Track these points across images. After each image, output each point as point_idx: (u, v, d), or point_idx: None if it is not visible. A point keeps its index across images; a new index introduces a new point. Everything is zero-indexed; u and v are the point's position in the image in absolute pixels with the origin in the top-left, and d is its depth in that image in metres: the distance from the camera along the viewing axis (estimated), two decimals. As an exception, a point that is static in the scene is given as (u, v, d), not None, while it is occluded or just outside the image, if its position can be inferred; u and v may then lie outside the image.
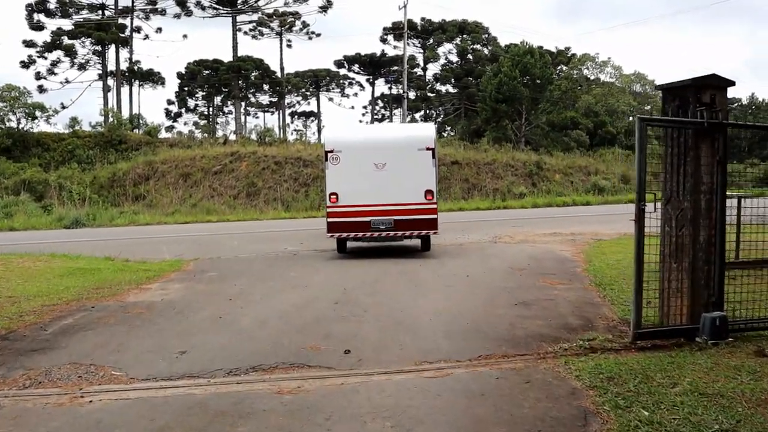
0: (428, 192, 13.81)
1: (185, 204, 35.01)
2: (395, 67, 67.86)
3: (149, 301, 9.30)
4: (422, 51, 65.18)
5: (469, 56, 61.37)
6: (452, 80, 61.96)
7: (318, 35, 63.49)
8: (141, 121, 51.98)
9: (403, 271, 11.84)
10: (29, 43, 52.75)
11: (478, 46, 61.39)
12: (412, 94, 60.00)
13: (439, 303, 8.81)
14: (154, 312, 8.57)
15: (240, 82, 60.31)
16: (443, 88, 66.20)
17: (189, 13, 56.35)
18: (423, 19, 63.00)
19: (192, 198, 35.94)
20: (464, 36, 61.13)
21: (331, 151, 13.75)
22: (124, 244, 21.44)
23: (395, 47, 66.46)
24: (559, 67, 54.35)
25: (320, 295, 9.48)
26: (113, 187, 37.80)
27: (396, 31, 63.86)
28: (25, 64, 52.63)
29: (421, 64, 64.88)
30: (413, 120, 60.21)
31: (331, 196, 13.81)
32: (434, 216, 14.00)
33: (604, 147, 48.03)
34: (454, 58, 63.12)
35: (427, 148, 13.76)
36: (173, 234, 24.07)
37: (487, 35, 61.44)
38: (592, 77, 56.56)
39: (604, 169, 42.61)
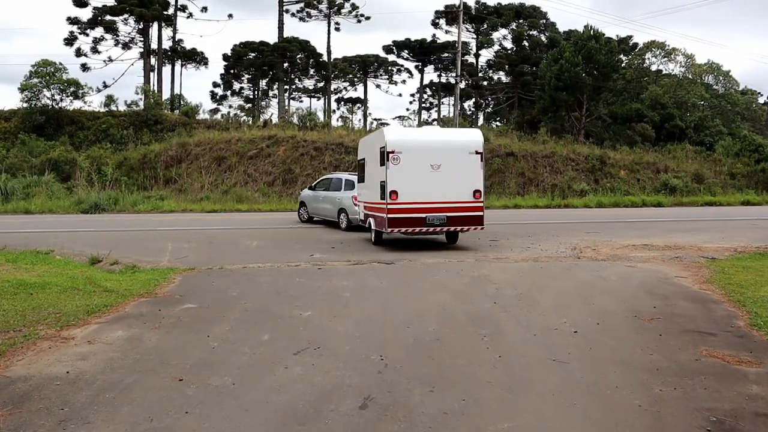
0: (477, 191, 14.50)
1: (217, 190, 31.35)
2: (446, 54, 63.30)
3: (40, 378, 5.25)
4: (475, 36, 60.38)
5: (525, 42, 56.32)
6: (506, 67, 57.03)
7: (367, 18, 59.22)
8: (182, 102, 48.67)
9: (475, 316, 7.58)
10: (73, 20, 49.81)
11: (535, 32, 56.25)
12: (462, 83, 55.34)
13: (554, 418, 4.62)
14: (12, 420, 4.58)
15: (285, 64, 56.51)
16: (496, 76, 61.43)
17: (235, -8, 52.68)
18: (477, 2, 58.20)
19: (224, 184, 32.29)
20: (521, 21, 56.07)
21: (392, 152, 14.04)
22: (130, 237, 17.85)
23: (447, 32, 61.89)
24: (619, 57, 48.84)
25: (340, 377, 5.28)
26: (143, 170, 34.45)
27: (449, 14, 59.23)
28: (69, 41, 49.70)
29: (474, 50, 60.09)
30: (462, 109, 55.65)
31: (392, 194, 13.94)
32: (481, 213, 14.61)
33: (673, 142, 42.70)
34: (508, 44, 58.20)
35: (476, 152, 14.60)
36: (192, 226, 20.38)
37: (545, 20, 56.25)
38: (658, 66, 50.95)
39: (674, 166, 37.47)
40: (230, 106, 62.35)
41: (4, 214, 26.99)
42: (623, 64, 48.47)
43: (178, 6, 52.92)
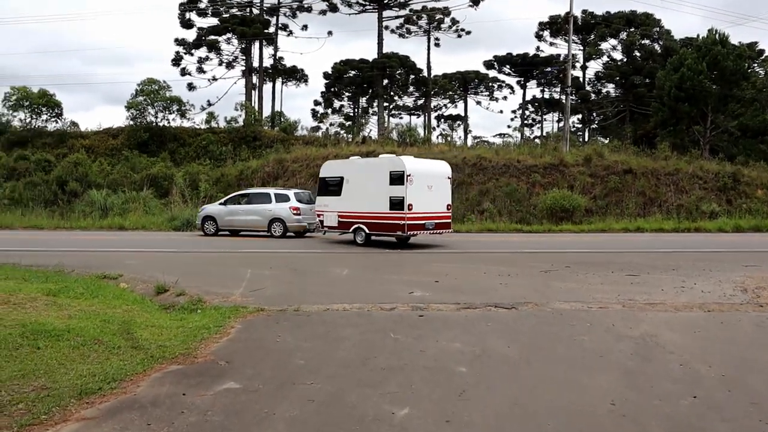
0: (448, 205, 19.03)
1: (312, 208, 29.19)
2: (549, 68, 59.34)
3: None
4: (582, 48, 56.07)
5: (636, 53, 51.50)
6: (617, 78, 52.33)
7: (468, 33, 56.40)
8: (281, 119, 47.49)
9: (677, 426, 4.54)
10: (180, 42, 49.98)
11: (647, 41, 51.32)
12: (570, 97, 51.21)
13: None
14: None
15: (384, 81, 54.42)
16: (604, 90, 56.71)
17: (335, 9, 51.24)
18: (584, 12, 53.90)
19: (319, 201, 30.09)
20: (632, 29, 51.33)
21: (410, 175, 17.51)
22: (211, 259, 15.73)
23: (552, 44, 57.90)
24: (748, 62, 43.29)
25: None
26: (240, 186, 32.87)
27: (554, 26, 55.35)
28: (176, 61, 49.81)
29: (580, 62, 55.77)
30: (573, 124, 51.52)
31: (410, 206, 17.49)
32: (450, 221, 19.20)
33: (814, 158, 36.92)
34: (617, 55, 53.48)
35: (448, 177, 19.25)
36: (279, 248, 18.09)
37: (659, 28, 51.21)
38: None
39: (822, 184, 32.01)
40: (330, 124, 61.12)
41: (100, 230, 25.98)
42: (755, 72, 42.95)
43: (279, 25, 52.14)
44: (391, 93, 58.76)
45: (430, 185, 18.21)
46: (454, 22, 55.40)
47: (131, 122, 39.91)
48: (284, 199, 22.19)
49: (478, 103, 71.36)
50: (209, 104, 48.94)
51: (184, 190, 30.11)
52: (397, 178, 17.68)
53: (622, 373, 5.79)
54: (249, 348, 6.50)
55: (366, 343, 6.79)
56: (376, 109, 58.53)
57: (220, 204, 23.49)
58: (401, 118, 71.29)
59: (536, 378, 5.61)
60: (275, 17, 51.72)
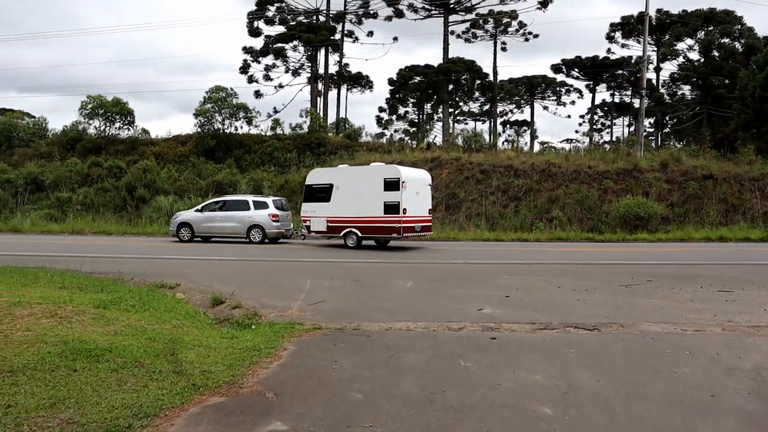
0: (430, 210, 21.36)
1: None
2: (620, 70, 57.01)
3: None
4: (656, 48, 53.53)
5: (715, 52, 48.70)
6: (694, 80, 49.63)
7: (535, 36, 54.79)
8: (347, 126, 47.20)
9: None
10: (248, 50, 50.49)
11: (727, 40, 48.45)
12: (645, 100, 48.90)
13: None
14: None
15: (450, 86, 53.42)
16: (679, 92, 53.95)
17: (400, 15, 50.64)
18: (659, 11, 51.41)
19: (383, 208, 29.44)
20: (710, 28, 48.59)
21: (404, 182, 19.30)
22: (271, 268, 15.23)
23: (624, 45, 55.54)
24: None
25: None
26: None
27: (626, 26, 53.12)
28: (243, 69, 50.32)
29: (654, 63, 53.23)
30: (646, 129, 49.20)
31: (404, 210, 19.21)
32: (431, 224, 21.50)
33: None
34: (694, 55, 50.76)
35: (429, 185, 21.47)
36: (341, 257, 17.46)
37: (740, 25, 48.28)
38: None
39: None
40: (395, 130, 60.55)
41: (165, 236, 26.06)
42: None
43: (345, 31, 51.99)
44: (456, 99, 57.67)
45: (417, 191, 20.16)
46: (522, 25, 53.97)
47: (199, 129, 40.34)
48: (263, 206, 23.17)
49: (545, 108, 69.56)
50: (275, 111, 49.29)
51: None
52: (392, 185, 19.37)
53: (745, 420, 4.76)
54: (301, 376, 5.76)
55: (433, 372, 5.95)
56: (440, 115, 57.60)
57: (196, 211, 24.20)
58: (466, 123, 70.13)
59: (640, 425, 4.65)
60: (341, 24, 51.63)
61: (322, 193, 21.21)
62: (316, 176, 22.15)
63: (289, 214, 24.25)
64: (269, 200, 23.52)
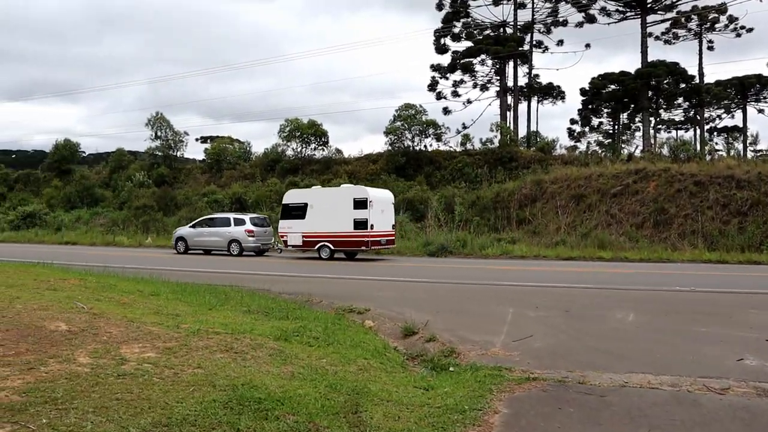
0: (393, 225, 23.65)
1: (574, 233, 26.51)
2: None
3: None
4: None
5: None
6: None
7: (749, 30, 48.55)
8: (538, 138, 45.15)
9: None
10: (435, 67, 50.31)
11: None
12: None
13: None
14: None
15: (649, 92, 49.06)
16: None
17: (592, 20, 47.61)
18: None
19: (583, 226, 27.23)
20: None
21: (371, 201, 21.95)
22: (468, 293, 13.95)
23: None
24: None
25: None
26: (496, 209, 31.40)
27: None
28: (431, 86, 50.24)
29: None
30: None
31: (371, 226, 21.73)
32: (394, 237, 23.80)
33: None
34: None
35: (392, 203, 24.01)
36: (543, 281, 15.80)
37: None
38: None
39: None
40: (588, 143, 57.01)
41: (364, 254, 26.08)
42: None
43: (533, 42, 49.87)
44: (657, 106, 52.86)
45: (382, 209, 22.75)
46: (732, 19, 48.16)
47: (389, 147, 40.71)
48: (241, 222, 25.63)
49: (760, 111, 61.41)
50: (464, 127, 48.47)
51: (440, 213, 29.33)
52: (360, 203, 21.98)
53: None
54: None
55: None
56: (638, 124, 53.14)
57: (190, 227, 27.31)
58: (668, 132, 64.24)
59: None
60: (529, 34, 49.62)
61: (298, 211, 23.55)
62: (292, 197, 24.52)
63: (269, 230, 26.39)
64: (247, 218, 25.89)
